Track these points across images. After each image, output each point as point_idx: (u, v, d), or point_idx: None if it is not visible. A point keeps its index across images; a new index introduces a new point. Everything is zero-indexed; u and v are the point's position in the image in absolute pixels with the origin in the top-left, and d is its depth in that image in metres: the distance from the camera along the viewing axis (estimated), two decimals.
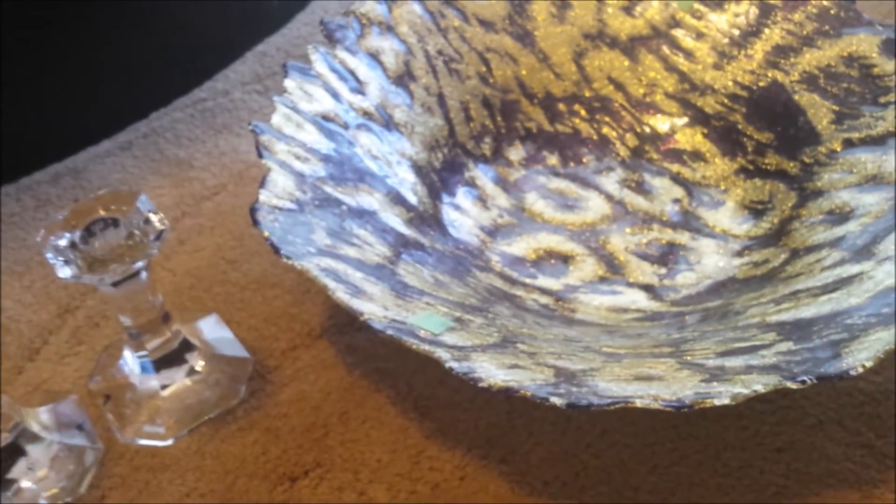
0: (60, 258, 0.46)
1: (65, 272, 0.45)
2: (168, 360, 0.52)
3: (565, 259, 0.58)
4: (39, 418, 0.50)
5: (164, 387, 0.52)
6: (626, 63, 0.67)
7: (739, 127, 0.63)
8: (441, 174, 0.62)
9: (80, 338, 0.57)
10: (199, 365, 0.53)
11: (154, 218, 0.47)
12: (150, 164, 0.70)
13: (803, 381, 0.40)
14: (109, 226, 0.47)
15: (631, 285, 0.56)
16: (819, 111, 0.60)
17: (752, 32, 0.64)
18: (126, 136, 0.72)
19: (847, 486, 0.46)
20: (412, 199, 0.58)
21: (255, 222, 0.48)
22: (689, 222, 0.60)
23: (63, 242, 0.46)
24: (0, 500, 0.47)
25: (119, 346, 0.55)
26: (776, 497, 0.46)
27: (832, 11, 0.62)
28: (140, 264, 0.46)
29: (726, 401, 0.40)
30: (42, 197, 0.68)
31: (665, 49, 0.66)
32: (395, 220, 0.55)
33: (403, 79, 0.63)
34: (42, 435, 0.49)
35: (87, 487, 0.49)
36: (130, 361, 0.52)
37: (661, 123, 0.65)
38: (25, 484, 0.48)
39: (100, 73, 0.71)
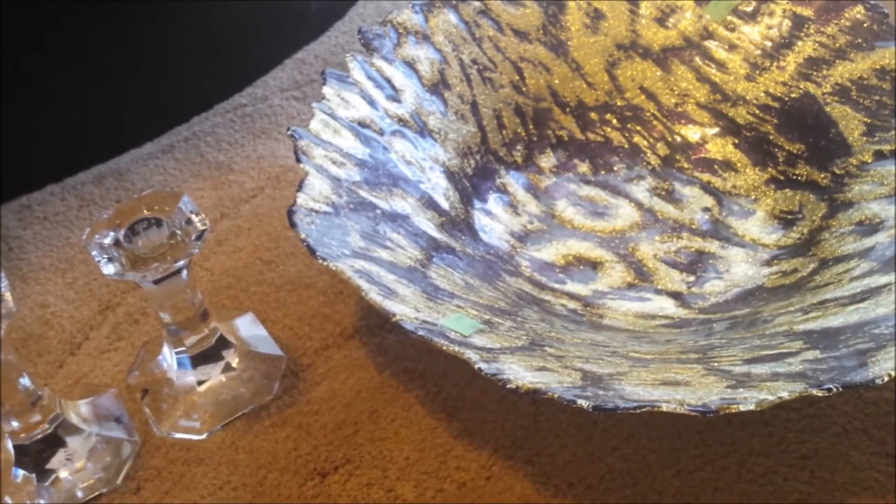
0: (105, 255, 0.47)
1: (109, 269, 0.47)
2: (205, 356, 0.53)
3: (594, 265, 0.59)
4: (79, 411, 0.52)
5: (200, 382, 0.53)
6: (659, 73, 0.67)
7: (771, 138, 0.64)
8: (473, 180, 0.63)
9: (120, 334, 0.59)
10: (235, 362, 0.54)
11: (196, 218, 0.49)
12: (191, 166, 0.72)
13: (829, 389, 0.40)
14: (153, 225, 0.48)
15: (659, 292, 0.56)
16: (850, 123, 0.60)
17: (784, 44, 0.65)
18: (168, 140, 0.74)
19: (871, 495, 0.46)
20: (444, 205, 0.59)
21: (293, 224, 0.50)
22: (718, 231, 0.60)
23: (108, 240, 0.48)
24: (38, 490, 0.49)
25: (158, 342, 0.56)
26: None
27: (865, 24, 0.62)
28: (181, 263, 0.48)
29: (751, 407, 0.40)
30: (86, 197, 0.69)
31: (697, 60, 0.67)
32: (427, 224, 0.56)
33: (438, 87, 0.64)
34: (81, 427, 0.51)
35: (124, 479, 0.51)
36: (169, 357, 0.54)
37: (692, 133, 0.66)
38: (63, 474, 0.50)
39: (143, 77, 0.73)
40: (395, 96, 0.62)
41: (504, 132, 0.66)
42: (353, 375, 0.55)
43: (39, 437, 0.49)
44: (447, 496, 0.48)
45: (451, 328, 0.47)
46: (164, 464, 0.51)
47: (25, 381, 0.47)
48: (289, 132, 0.55)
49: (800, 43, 0.64)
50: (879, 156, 0.57)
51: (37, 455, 0.49)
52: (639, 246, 0.60)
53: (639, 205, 0.63)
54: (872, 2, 0.62)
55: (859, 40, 0.62)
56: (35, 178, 0.70)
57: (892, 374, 0.41)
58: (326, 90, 0.59)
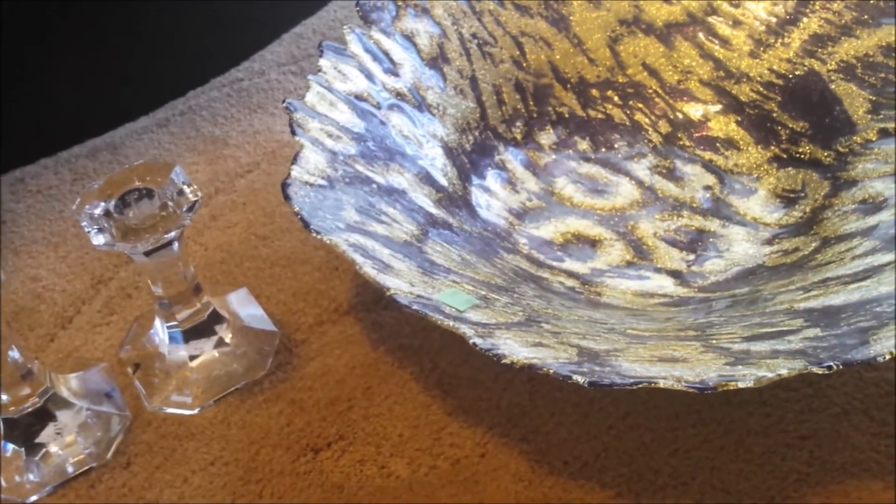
0: (95, 226, 0.46)
1: (98, 240, 0.46)
2: (197, 331, 0.53)
3: (593, 243, 0.58)
4: (70, 385, 0.51)
5: (192, 357, 0.53)
6: (661, 49, 0.66)
7: (774, 115, 0.63)
8: (471, 156, 0.62)
9: (113, 308, 0.58)
10: (228, 337, 0.54)
11: (187, 189, 0.48)
12: (186, 140, 0.71)
13: (829, 367, 0.40)
14: (144, 196, 0.48)
15: (658, 271, 0.56)
16: (855, 101, 0.59)
17: (789, 21, 0.64)
18: (164, 114, 0.73)
19: (870, 476, 0.45)
20: (442, 180, 0.58)
21: (287, 197, 0.49)
22: (719, 209, 0.59)
23: (98, 211, 0.47)
24: (28, 464, 0.48)
25: (150, 316, 0.55)
26: (798, 484, 0.45)
27: (872, 1, 0.61)
28: (172, 234, 0.47)
29: (750, 384, 0.39)
30: (80, 170, 0.69)
31: (701, 36, 0.66)
32: (424, 199, 0.56)
33: (437, 61, 0.63)
34: (71, 401, 0.50)
35: (114, 453, 0.50)
36: (161, 331, 0.53)
37: (694, 110, 0.65)
38: (53, 448, 0.49)
39: (139, 50, 0.72)
40: (393, 70, 0.61)
41: (504, 108, 0.65)
42: (347, 351, 0.54)
43: (29, 410, 0.48)
44: (441, 473, 0.48)
45: (446, 303, 0.46)
46: (154, 439, 0.51)
47: (15, 353, 0.47)
48: (284, 104, 0.54)
49: (805, 19, 0.63)
50: (884, 134, 0.56)
51: (26, 429, 0.49)
52: (638, 224, 0.59)
53: (639, 183, 0.62)
54: None
55: (865, 17, 0.61)
56: (29, 151, 0.70)
57: (894, 352, 0.40)
58: (323, 62, 0.58)
